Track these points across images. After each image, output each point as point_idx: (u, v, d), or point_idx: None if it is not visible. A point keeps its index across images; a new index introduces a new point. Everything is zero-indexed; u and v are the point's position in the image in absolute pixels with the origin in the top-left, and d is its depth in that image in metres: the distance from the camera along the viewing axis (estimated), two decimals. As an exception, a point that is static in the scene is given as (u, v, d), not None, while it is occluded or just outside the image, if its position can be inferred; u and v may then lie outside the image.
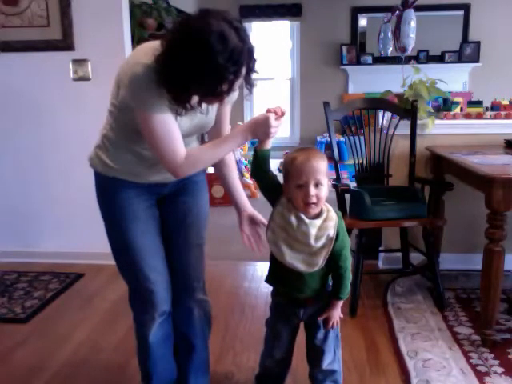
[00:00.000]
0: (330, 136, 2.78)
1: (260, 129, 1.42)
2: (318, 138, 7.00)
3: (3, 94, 3.17)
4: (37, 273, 3.11)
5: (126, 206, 1.54)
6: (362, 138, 2.87)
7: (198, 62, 1.21)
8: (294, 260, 1.47)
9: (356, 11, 7.05)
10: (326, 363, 1.62)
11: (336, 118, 2.79)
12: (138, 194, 1.56)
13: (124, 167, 1.53)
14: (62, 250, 3.28)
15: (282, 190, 1.52)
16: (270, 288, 1.67)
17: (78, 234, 3.28)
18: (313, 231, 1.45)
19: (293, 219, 1.46)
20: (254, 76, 1.36)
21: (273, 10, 7.13)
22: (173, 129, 1.38)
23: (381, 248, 3.15)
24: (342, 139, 6.42)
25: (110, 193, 1.56)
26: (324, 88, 6.98)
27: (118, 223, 1.56)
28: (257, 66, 1.34)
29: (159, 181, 1.57)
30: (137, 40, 3.33)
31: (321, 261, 1.46)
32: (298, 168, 1.44)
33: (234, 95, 1.50)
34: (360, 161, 2.82)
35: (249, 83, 1.36)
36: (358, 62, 7.13)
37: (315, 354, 1.63)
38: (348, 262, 1.52)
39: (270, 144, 1.49)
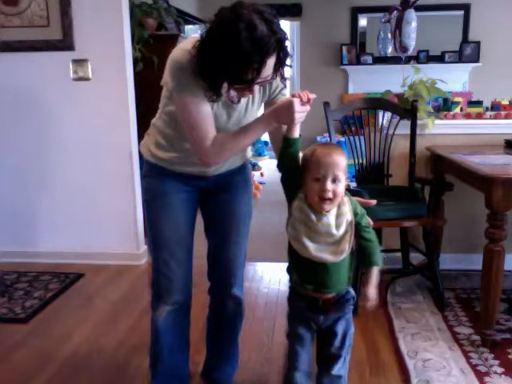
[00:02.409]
0: (329, 136, 2.78)
1: (283, 114, 1.38)
2: (318, 138, 6.98)
3: (3, 93, 3.17)
4: (37, 273, 3.11)
5: (162, 194, 1.61)
6: (361, 137, 2.87)
7: (224, 47, 1.26)
8: (319, 252, 1.43)
9: (356, 11, 7.04)
10: (336, 369, 1.59)
11: (336, 117, 2.79)
12: (175, 184, 1.61)
13: (164, 155, 1.58)
14: (62, 249, 3.28)
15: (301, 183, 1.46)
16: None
17: (78, 234, 3.28)
18: (332, 221, 1.42)
19: (311, 213, 1.43)
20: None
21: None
22: (206, 115, 1.41)
23: (381, 248, 3.14)
24: (342, 139, 6.41)
25: (151, 179, 1.64)
26: (324, 88, 6.94)
27: (151, 209, 1.64)
28: (289, 60, 1.37)
29: (195, 173, 1.60)
30: (137, 40, 3.33)
31: (347, 246, 1.44)
32: (316, 160, 1.39)
33: (284, 92, 1.54)
34: (360, 161, 2.82)
35: (281, 76, 1.40)
36: (358, 62, 7.12)
37: (329, 360, 1.57)
38: (370, 227, 1.52)
39: (297, 131, 1.43)
